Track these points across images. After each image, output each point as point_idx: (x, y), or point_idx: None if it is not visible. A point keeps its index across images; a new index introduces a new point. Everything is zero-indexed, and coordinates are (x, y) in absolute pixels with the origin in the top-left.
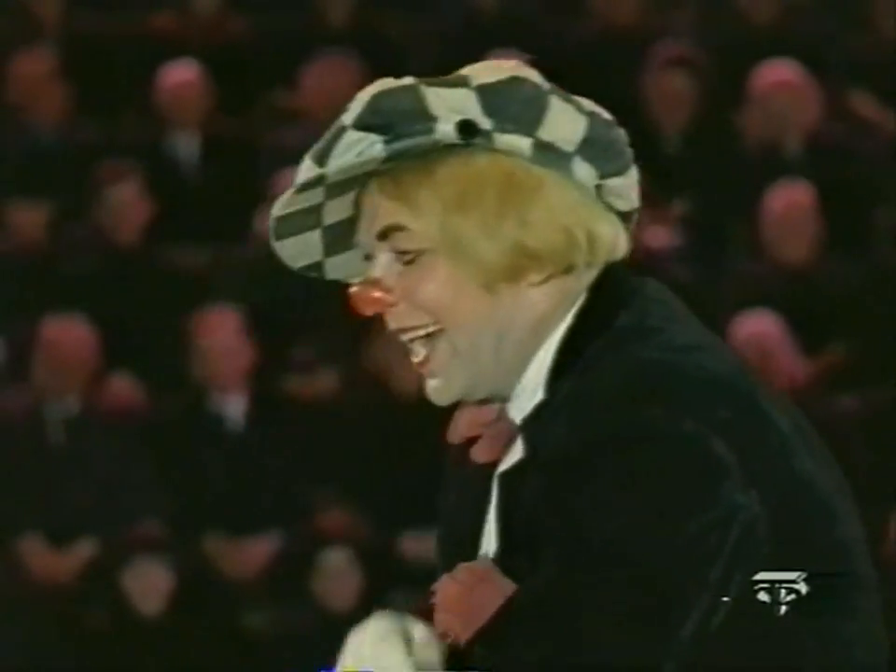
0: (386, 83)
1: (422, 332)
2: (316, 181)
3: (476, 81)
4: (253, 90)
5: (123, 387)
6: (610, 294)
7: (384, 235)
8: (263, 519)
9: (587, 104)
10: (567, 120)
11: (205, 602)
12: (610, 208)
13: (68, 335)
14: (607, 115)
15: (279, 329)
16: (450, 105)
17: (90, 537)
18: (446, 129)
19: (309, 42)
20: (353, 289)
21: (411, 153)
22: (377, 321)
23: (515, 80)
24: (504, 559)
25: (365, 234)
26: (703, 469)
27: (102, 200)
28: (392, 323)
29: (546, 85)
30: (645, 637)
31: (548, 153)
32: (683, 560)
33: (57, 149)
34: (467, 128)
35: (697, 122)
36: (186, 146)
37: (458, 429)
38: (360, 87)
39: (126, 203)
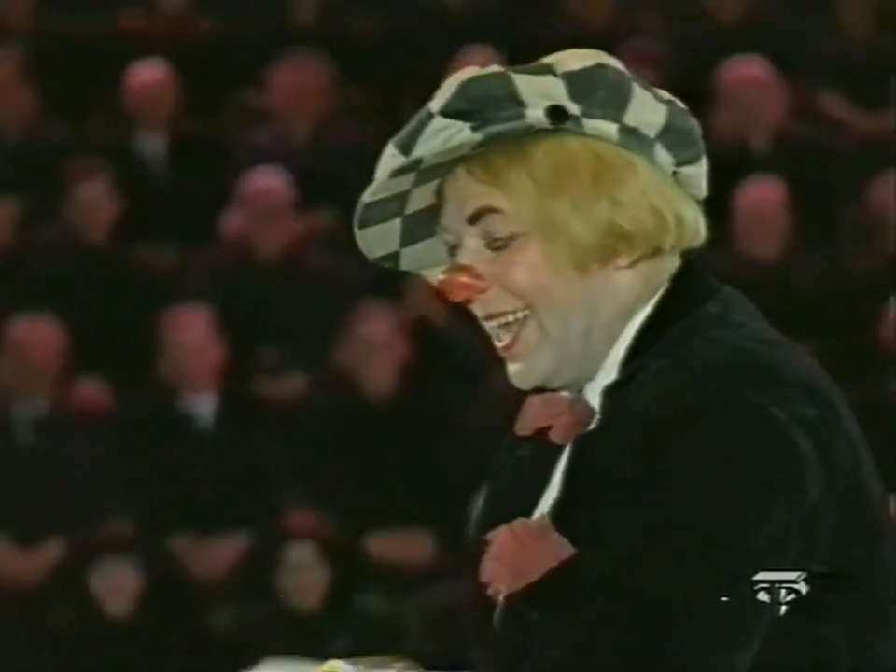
0: (473, 71)
1: (511, 317)
2: (411, 166)
3: (562, 68)
4: (221, 89)
5: (92, 387)
6: (695, 283)
7: (474, 219)
8: (231, 518)
9: (663, 93)
10: (649, 107)
11: (173, 602)
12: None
13: (36, 335)
14: (681, 104)
15: (248, 329)
16: (539, 91)
17: (58, 537)
18: (537, 114)
19: (276, 41)
20: (441, 276)
21: (501, 138)
22: (352, 321)
23: (600, 67)
24: (563, 517)
25: (452, 220)
26: (790, 459)
27: (70, 199)
28: (481, 309)
29: (627, 72)
30: (708, 613)
31: (633, 138)
32: (761, 553)
33: (25, 149)
34: (557, 113)
35: None
36: (153, 145)
37: (527, 421)
38: (328, 86)
39: (95, 202)
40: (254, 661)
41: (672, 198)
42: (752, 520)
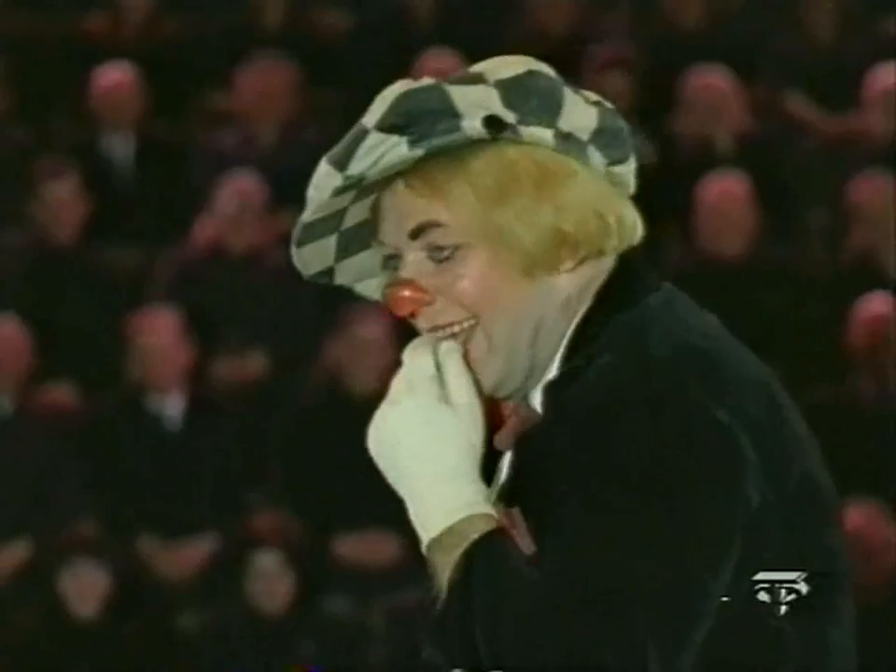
0: (406, 84)
1: (458, 328)
2: (354, 184)
3: (493, 77)
4: (187, 91)
5: (59, 388)
6: (633, 278)
7: (417, 233)
8: (199, 520)
9: (591, 94)
10: (580, 110)
11: (139, 604)
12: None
13: (1, 336)
14: (608, 104)
15: (216, 330)
16: (474, 102)
17: (23, 538)
18: (474, 125)
19: (243, 44)
20: (385, 291)
21: (439, 150)
22: (336, 321)
23: (530, 74)
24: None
25: (391, 235)
26: (732, 462)
27: (37, 199)
28: (426, 322)
29: (557, 77)
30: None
31: (568, 142)
32: (700, 551)
33: None
34: (493, 122)
35: (631, 123)
36: (120, 147)
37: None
38: (294, 88)
39: (62, 203)
40: (220, 664)
41: (611, 199)
42: (690, 517)
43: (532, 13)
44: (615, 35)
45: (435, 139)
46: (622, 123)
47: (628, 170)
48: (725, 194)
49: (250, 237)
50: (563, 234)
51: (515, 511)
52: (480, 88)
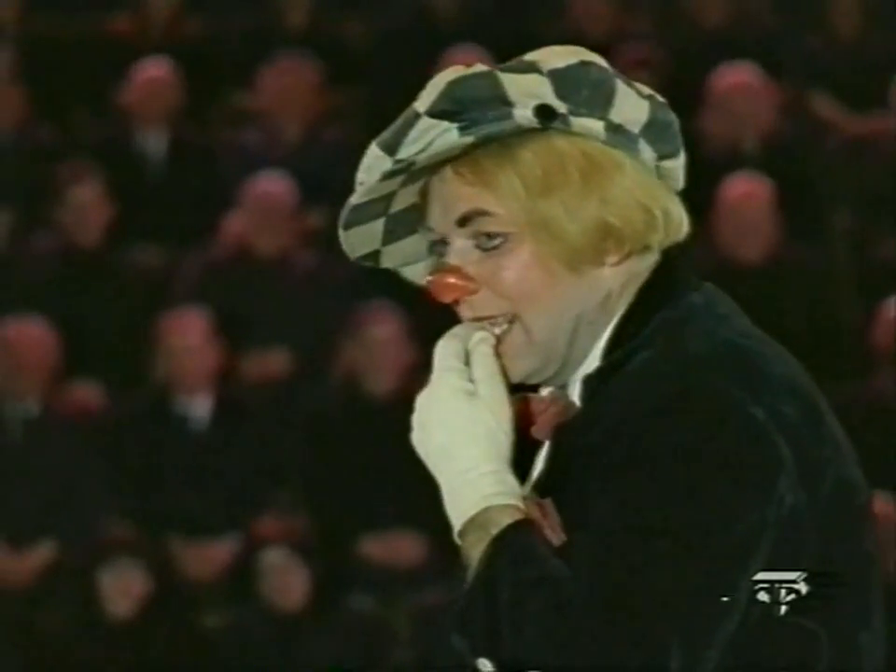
0: (459, 70)
1: (499, 321)
2: (403, 168)
3: (547, 66)
4: (211, 91)
5: (86, 389)
6: (676, 275)
7: (463, 221)
8: (225, 520)
9: (644, 87)
10: (632, 103)
11: (169, 603)
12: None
13: (28, 337)
14: (660, 98)
15: (243, 331)
16: (526, 91)
17: (50, 539)
18: (525, 113)
19: (266, 43)
20: (430, 277)
21: (488, 138)
22: (350, 322)
23: (584, 65)
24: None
25: (439, 221)
26: (767, 460)
27: (62, 201)
28: (468, 311)
29: (610, 69)
30: (689, 611)
31: (619, 135)
32: (730, 549)
33: (15, 152)
34: (545, 112)
35: None
36: (154, 143)
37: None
38: (317, 87)
39: (87, 205)
40: (245, 664)
41: (658, 194)
42: (722, 515)
43: (566, 13)
44: (640, 36)
45: (485, 127)
46: (672, 117)
47: (678, 165)
48: (747, 197)
49: (276, 238)
50: (608, 227)
51: (548, 501)
52: (532, 76)
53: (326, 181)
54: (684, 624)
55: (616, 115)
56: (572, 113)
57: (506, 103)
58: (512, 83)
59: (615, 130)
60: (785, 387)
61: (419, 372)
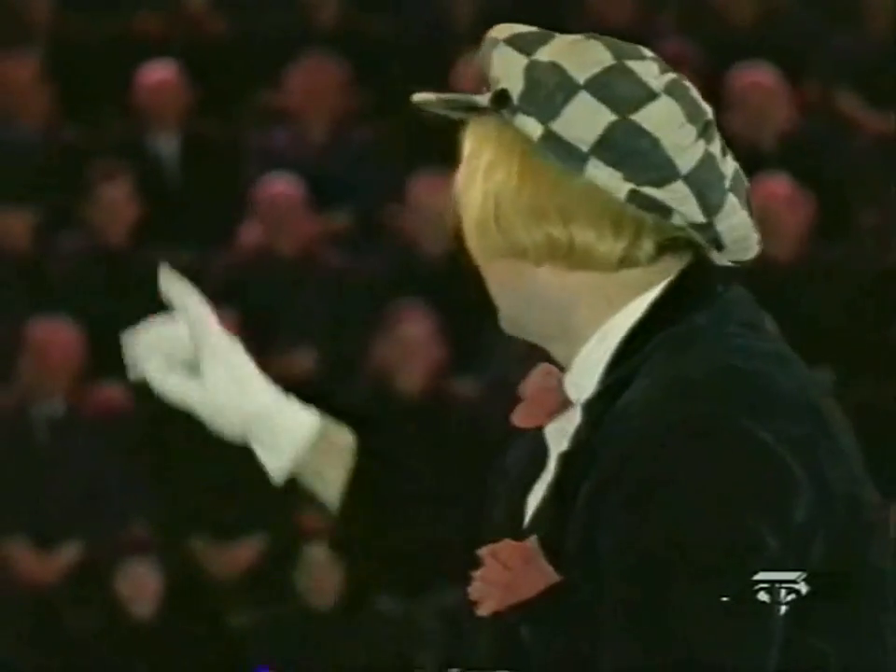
0: (509, 28)
1: None
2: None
3: (544, 55)
4: (238, 90)
5: (111, 389)
6: (687, 291)
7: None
8: (249, 519)
9: (697, 109)
10: (586, 118)
11: (192, 603)
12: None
13: (55, 336)
14: (648, 125)
15: (267, 331)
16: (510, 73)
17: (76, 539)
18: (487, 96)
19: (294, 43)
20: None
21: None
22: (375, 321)
23: (555, 66)
24: (549, 535)
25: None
26: (780, 484)
27: (91, 200)
28: None
29: (583, 78)
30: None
31: (556, 145)
32: (753, 570)
33: (43, 151)
34: (500, 97)
35: None
36: (166, 146)
37: (522, 418)
38: (344, 87)
39: (116, 204)
40: (271, 662)
41: (579, 217)
42: (749, 547)
43: (587, 10)
44: (666, 33)
45: (462, 101)
46: (647, 145)
47: (667, 196)
48: (768, 197)
49: (296, 238)
50: (486, 227)
51: (533, 539)
52: (522, 60)
53: (351, 180)
54: (739, 665)
55: (560, 126)
56: (521, 109)
57: (496, 81)
58: (502, 61)
59: (553, 139)
60: (793, 406)
61: (450, 370)
